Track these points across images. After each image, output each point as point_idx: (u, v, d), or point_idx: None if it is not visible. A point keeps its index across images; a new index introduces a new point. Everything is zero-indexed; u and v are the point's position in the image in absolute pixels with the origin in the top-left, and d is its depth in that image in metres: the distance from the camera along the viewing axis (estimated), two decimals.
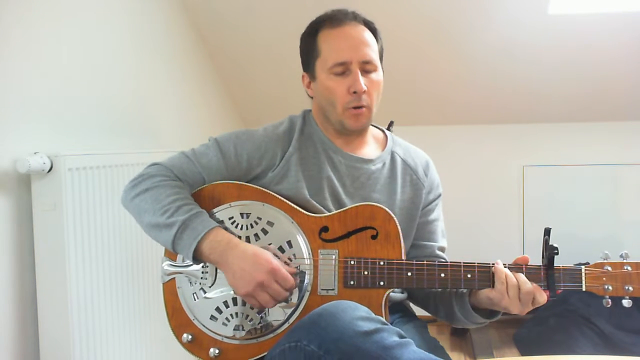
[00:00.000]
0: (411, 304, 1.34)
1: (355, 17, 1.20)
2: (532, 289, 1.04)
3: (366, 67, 1.17)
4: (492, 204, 2.80)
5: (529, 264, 1.08)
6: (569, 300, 2.37)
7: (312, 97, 1.27)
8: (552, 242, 1.06)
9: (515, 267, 1.07)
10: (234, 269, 1.05)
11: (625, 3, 2.11)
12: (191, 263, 1.14)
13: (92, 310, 1.49)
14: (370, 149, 1.27)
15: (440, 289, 1.18)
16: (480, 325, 1.16)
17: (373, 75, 1.18)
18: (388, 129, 1.39)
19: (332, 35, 1.18)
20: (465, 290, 1.13)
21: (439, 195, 1.32)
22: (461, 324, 1.18)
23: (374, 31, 1.21)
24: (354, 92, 1.15)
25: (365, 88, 1.15)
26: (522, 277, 1.05)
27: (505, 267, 1.07)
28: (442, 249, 1.28)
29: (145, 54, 1.97)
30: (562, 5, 2.14)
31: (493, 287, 1.06)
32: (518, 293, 1.04)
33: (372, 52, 1.18)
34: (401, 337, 0.94)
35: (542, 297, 1.04)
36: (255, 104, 2.73)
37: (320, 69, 1.19)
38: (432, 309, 1.24)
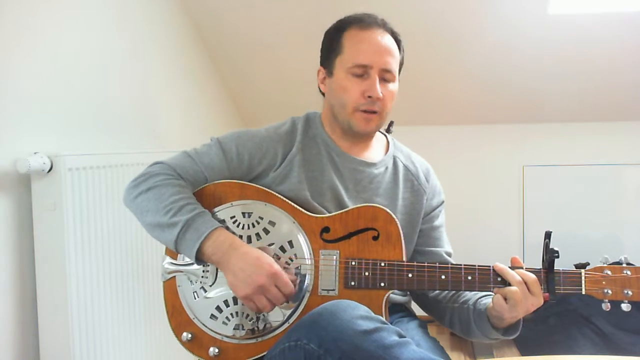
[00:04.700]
0: (413, 306, 1.34)
1: (384, 25, 1.20)
2: (535, 278, 1.04)
3: (385, 76, 1.17)
4: (492, 204, 2.79)
5: (528, 267, 1.07)
6: (569, 300, 2.37)
7: (322, 93, 1.27)
8: (552, 243, 1.06)
9: (516, 268, 1.07)
10: (235, 271, 1.05)
11: (625, 3, 2.11)
12: (192, 261, 1.14)
13: (92, 310, 1.49)
14: (373, 152, 1.27)
15: (456, 305, 1.19)
16: (495, 340, 1.16)
17: (390, 85, 1.18)
18: (388, 128, 1.39)
19: (358, 37, 1.18)
20: (483, 309, 1.12)
21: (442, 202, 1.32)
22: (477, 338, 1.17)
23: (398, 42, 1.21)
24: (369, 97, 1.15)
25: (381, 95, 1.15)
26: (521, 271, 1.06)
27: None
28: (449, 254, 1.28)
29: (145, 54, 1.97)
30: (562, 5, 2.13)
31: (503, 285, 1.06)
32: (528, 289, 1.04)
33: (394, 62, 1.18)
34: (401, 336, 0.94)
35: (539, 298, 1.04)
36: (255, 103, 2.73)
37: (339, 66, 1.19)
38: (448, 322, 1.23)
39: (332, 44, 1.21)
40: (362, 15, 1.20)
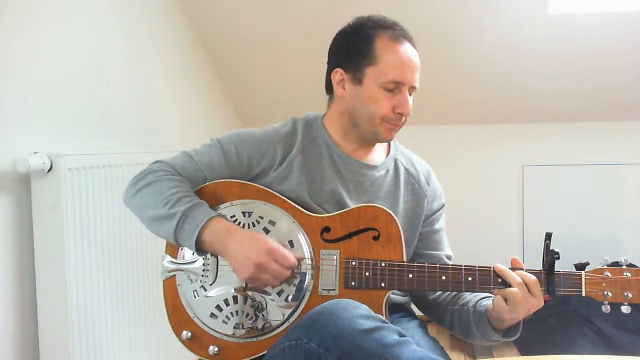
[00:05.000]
0: (413, 306, 1.34)
1: (410, 37, 1.19)
2: (536, 279, 1.04)
3: (411, 92, 1.17)
4: (492, 204, 2.79)
5: (528, 268, 1.07)
6: (569, 300, 2.37)
7: (329, 94, 1.25)
8: (552, 243, 1.06)
9: (517, 269, 1.07)
10: (234, 256, 1.06)
11: (625, 3, 2.11)
12: (192, 260, 1.14)
13: (92, 310, 1.49)
14: (375, 155, 1.27)
15: (456, 307, 1.19)
16: (495, 343, 1.15)
17: (411, 99, 1.18)
18: None
19: (392, 48, 1.15)
20: (483, 311, 1.12)
21: (443, 206, 1.32)
22: (477, 340, 1.17)
23: None
24: (399, 113, 1.15)
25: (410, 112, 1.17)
26: (521, 272, 1.06)
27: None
28: (449, 258, 1.28)
29: (145, 53, 1.96)
30: (562, 5, 2.14)
31: (504, 287, 1.06)
32: (529, 290, 1.04)
33: (419, 78, 1.19)
34: (401, 335, 0.94)
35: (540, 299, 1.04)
36: (255, 103, 2.72)
37: (372, 77, 1.15)
38: (448, 324, 1.22)
39: (361, 50, 1.16)
40: (389, 23, 1.18)
